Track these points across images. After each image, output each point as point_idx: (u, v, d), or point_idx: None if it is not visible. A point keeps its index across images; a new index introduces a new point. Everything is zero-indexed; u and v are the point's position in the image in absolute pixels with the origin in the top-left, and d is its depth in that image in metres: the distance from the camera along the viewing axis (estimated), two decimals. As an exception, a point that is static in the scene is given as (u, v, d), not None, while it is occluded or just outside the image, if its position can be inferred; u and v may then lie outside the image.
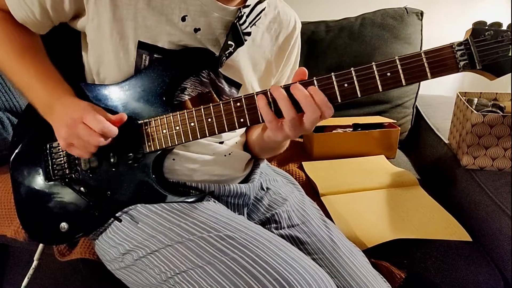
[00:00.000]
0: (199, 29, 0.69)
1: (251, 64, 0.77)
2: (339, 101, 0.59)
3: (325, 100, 0.58)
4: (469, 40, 0.55)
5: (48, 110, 0.67)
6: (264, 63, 0.79)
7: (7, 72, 0.70)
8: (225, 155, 0.77)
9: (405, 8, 1.43)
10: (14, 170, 0.75)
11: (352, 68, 0.58)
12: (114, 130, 0.64)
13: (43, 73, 0.69)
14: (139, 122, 0.68)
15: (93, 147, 0.64)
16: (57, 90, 0.67)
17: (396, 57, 0.57)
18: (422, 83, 1.45)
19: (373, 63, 0.58)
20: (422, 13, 1.42)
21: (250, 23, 0.71)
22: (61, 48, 0.77)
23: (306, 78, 0.60)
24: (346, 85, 0.59)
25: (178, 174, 0.73)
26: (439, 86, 1.76)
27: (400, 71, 0.57)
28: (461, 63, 0.56)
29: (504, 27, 0.55)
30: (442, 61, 0.56)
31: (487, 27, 0.55)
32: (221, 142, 0.77)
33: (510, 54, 0.54)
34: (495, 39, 0.54)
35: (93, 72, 0.72)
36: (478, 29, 0.55)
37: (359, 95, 0.59)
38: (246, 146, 0.87)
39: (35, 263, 0.83)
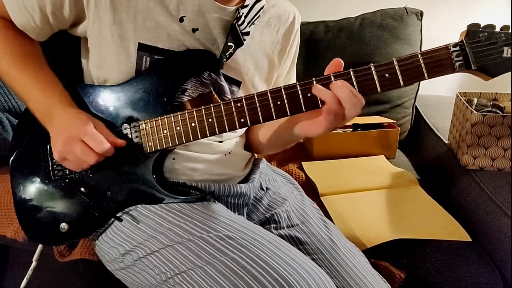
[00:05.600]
0: (197, 29, 0.69)
1: (253, 62, 0.77)
2: None
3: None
4: (464, 42, 0.56)
5: (47, 118, 0.67)
6: (266, 60, 0.80)
7: (7, 79, 0.71)
8: (225, 154, 0.78)
9: (405, 8, 1.43)
10: (14, 171, 0.75)
11: (350, 69, 0.59)
12: (112, 152, 0.64)
13: (42, 80, 0.69)
14: (140, 122, 0.68)
15: (87, 165, 0.65)
16: (55, 97, 0.67)
17: (394, 59, 0.58)
18: (421, 83, 1.45)
19: (371, 65, 0.58)
20: (422, 13, 1.42)
21: (248, 23, 0.72)
22: (59, 54, 0.77)
23: (341, 70, 0.59)
24: None
25: (178, 174, 0.73)
26: (439, 86, 1.76)
27: (398, 72, 0.58)
28: (457, 64, 0.57)
29: (497, 29, 0.56)
30: (438, 62, 0.57)
31: (481, 29, 0.56)
32: (221, 141, 0.77)
33: (503, 55, 0.55)
34: (489, 40, 0.56)
35: (93, 75, 0.72)
36: (473, 31, 0.56)
37: None
38: (246, 145, 0.88)
39: (33, 264, 0.83)
